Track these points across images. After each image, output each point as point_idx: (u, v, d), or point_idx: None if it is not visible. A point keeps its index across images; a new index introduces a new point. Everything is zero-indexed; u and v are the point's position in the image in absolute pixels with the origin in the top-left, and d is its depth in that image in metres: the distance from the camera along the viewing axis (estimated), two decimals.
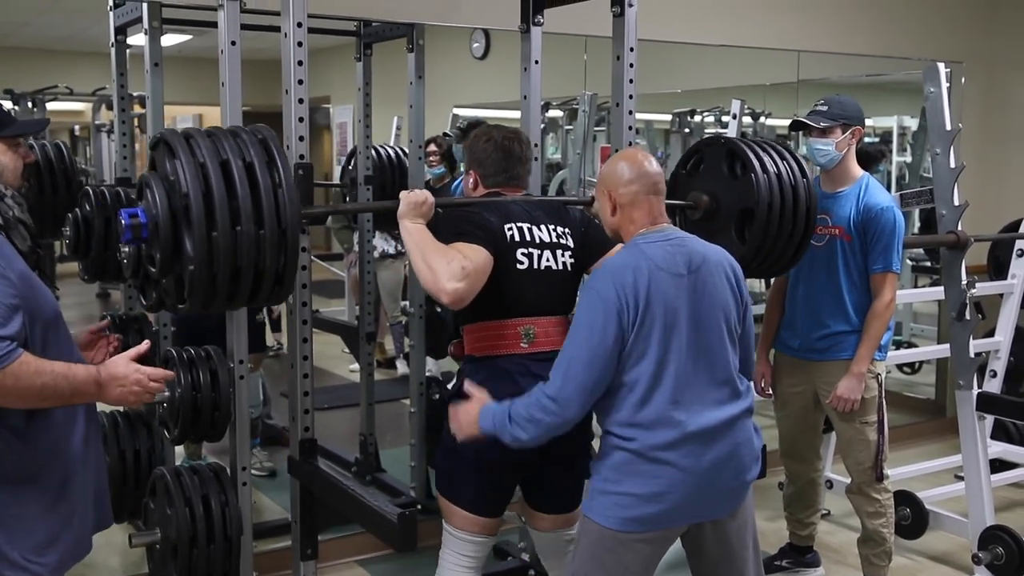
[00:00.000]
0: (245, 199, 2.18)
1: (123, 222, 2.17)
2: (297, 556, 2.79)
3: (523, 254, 2.60)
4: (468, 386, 2.49)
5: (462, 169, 4.90)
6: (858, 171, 3.39)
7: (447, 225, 2.56)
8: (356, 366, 5.03)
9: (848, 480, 3.54)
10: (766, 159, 2.95)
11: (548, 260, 2.63)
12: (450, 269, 2.37)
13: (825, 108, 3.34)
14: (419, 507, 4.10)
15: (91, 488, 2.18)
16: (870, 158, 7.06)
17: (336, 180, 10.62)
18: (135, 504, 3.24)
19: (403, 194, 2.57)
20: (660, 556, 2.37)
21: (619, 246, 2.44)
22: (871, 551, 3.46)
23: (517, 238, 2.59)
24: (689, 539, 2.40)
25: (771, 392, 3.62)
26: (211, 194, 2.16)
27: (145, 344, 2.13)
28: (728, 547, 2.38)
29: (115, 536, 3.51)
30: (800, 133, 3.74)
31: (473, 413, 2.40)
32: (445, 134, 4.63)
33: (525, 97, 3.31)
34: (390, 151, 4.57)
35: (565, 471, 2.67)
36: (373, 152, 4.51)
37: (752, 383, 2.44)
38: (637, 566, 2.31)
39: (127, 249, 2.89)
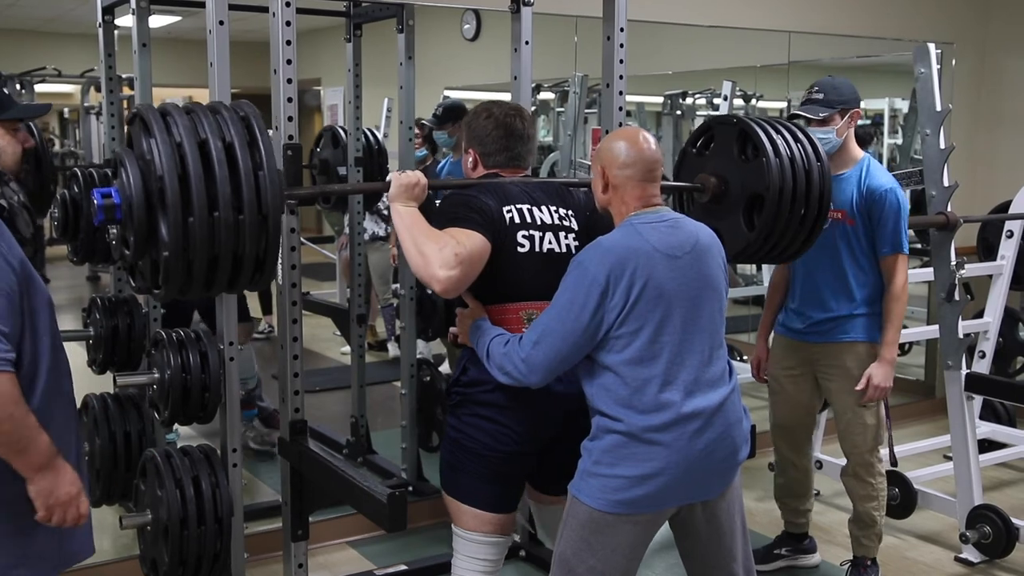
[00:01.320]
0: (223, 183, 2.06)
1: (96, 202, 2.07)
2: (288, 537, 2.79)
3: (524, 236, 2.48)
4: (466, 296, 2.46)
5: (444, 152, 4.89)
6: (858, 152, 3.36)
7: (442, 209, 2.48)
8: (347, 348, 5.04)
9: (843, 462, 3.54)
10: (779, 141, 2.82)
11: (550, 243, 2.51)
12: (442, 256, 2.28)
13: (821, 96, 3.28)
14: (410, 488, 4.11)
15: None
16: (859, 140, 7.08)
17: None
18: (126, 486, 3.25)
19: (393, 175, 2.47)
20: (649, 538, 2.37)
21: None
22: (861, 532, 3.47)
23: (517, 220, 2.48)
24: (678, 520, 2.41)
25: (765, 378, 3.60)
26: (187, 177, 2.04)
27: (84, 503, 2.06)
28: (717, 526, 2.39)
29: (106, 518, 3.52)
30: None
31: (467, 324, 2.44)
32: (421, 121, 4.59)
33: (516, 78, 3.30)
34: (367, 133, 4.52)
35: (575, 454, 2.60)
36: (365, 131, 4.48)
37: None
38: (626, 548, 2.30)
39: (115, 231, 2.90)
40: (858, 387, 3.27)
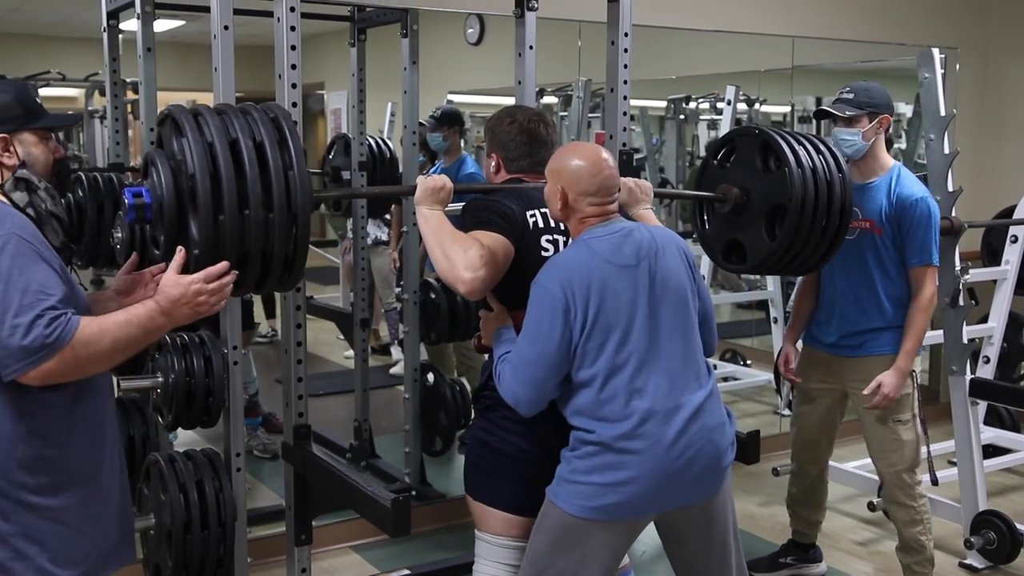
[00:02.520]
0: (254, 181, 2.06)
1: (127, 201, 2.07)
2: (291, 541, 2.79)
3: (548, 240, 2.49)
4: (490, 299, 2.46)
5: (441, 158, 4.90)
6: (888, 160, 3.28)
7: (466, 213, 2.49)
8: (351, 352, 5.03)
9: (849, 466, 3.48)
10: (801, 152, 2.81)
11: None
12: (467, 258, 2.29)
13: (851, 96, 3.22)
14: (413, 493, 4.10)
15: (115, 516, 2.16)
16: None
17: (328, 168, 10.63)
18: (129, 491, 3.24)
19: (420, 179, 2.48)
20: (624, 549, 2.36)
21: None
22: (912, 559, 3.34)
23: (541, 224, 2.49)
24: (664, 527, 2.39)
25: (797, 378, 3.47)
26: (219, 176, 2.04)
27: (180, 254, 2.03)
28: (706, 530, 2.37)
29: None
30: (823, 122, 3.66)
31: (491, 328, 2.45)
32: (420, 123, 4.59)
33: (520, 83, 3.30)
34: (372, 141, 4.52)
35: None
36: (370, 141, 4.48)
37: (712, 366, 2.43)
38: (597, 554, 2.28)
39: (120, 235, 2.90)
40: (866, 391, 3.19)
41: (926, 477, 3.45)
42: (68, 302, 1.89)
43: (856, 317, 3.27)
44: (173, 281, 1.99)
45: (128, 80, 4.12)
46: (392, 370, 6.17)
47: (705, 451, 2.27)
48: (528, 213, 2.49)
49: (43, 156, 2.11)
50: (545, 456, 2.41)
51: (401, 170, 4.12)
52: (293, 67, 2.57)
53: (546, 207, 2.48)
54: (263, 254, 2.13)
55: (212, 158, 2.05)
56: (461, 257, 2.29)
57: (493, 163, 2.66)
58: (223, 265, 2.03)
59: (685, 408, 2.26)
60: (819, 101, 7.64)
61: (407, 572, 3.56)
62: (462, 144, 4.92)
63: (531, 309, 2.28)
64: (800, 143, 2.85)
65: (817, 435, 3.53)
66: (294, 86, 2.57)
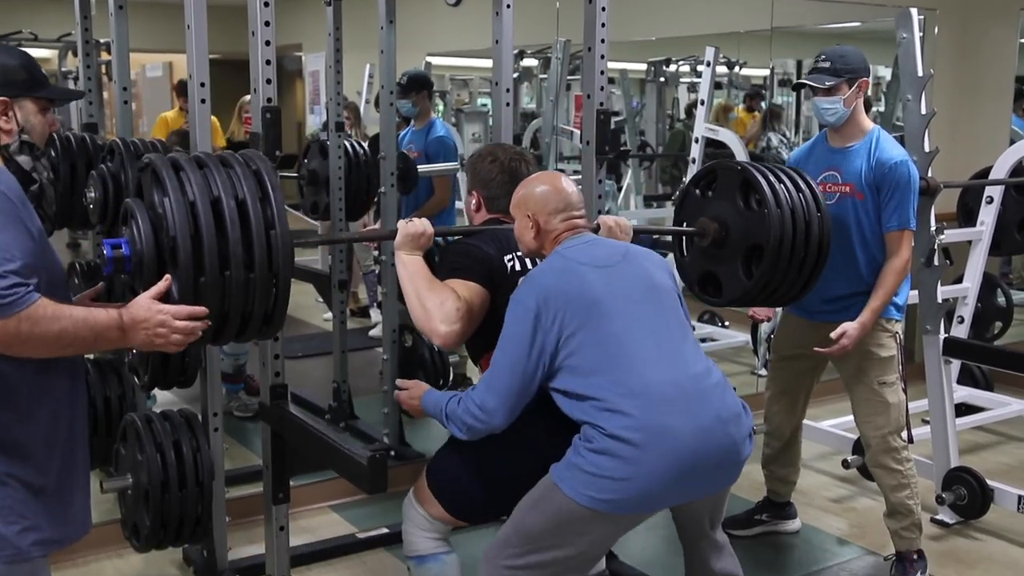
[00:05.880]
0: (236, 243, 2.04)
1: (105, 254, 2.05)
2: (269, 500, 2.80)
3: None
4: (400, 381, 2.54)
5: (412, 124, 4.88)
6: (868, 124, 3.28)
7: (444, 259, 2.54)
8: (330, 315, 5.03)
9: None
10: (781, 191, 2.85)
11: None
12: (443, 311, 2.35)
13: (827, 64, 3.20)
14: (392, 453, 4.12)
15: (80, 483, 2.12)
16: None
17: (308, 132, 10.55)
18: (106, 451, 3.24)
19: (401, 224, 2.51)
20: (619, 536, 2.37)
21: None
22: (900, 525, 3.32)
23: (518, 267, 2.55)
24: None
25: (764, 316, 3.47)
26: (200, 237, 2.02)
27: (165, 281, 2.01)
28: (712, 499, 2.38)
29: None
30: (801, 91, 3.62)
31: (415, 398, 2.47)
32: (398, 83, 4.54)
33: (497, 42, 3.27)
34: (348, 144, 4.48)
35: None
36: (346, 145, 4.43)
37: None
38: (602, 539, 2.29)
39: (92, 194, 2.88)
40: (832, 334, 3.14)
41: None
42: (34, 271, 1.86)
43: (835, 283, 3.25)
44: (145, 304, 1.96)
45: (101, 40, 4.07)
46: (371, 332, 6.17)
47: (722, 445, 2.23)
48: (506, 257, 2.55)
49: (40, 126, 2.10)
50: (525, 482, 2.36)
51: (381, 129, 4.08)
52: (267, 23, 2.55)
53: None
54: (243, 313, 2.13)
55: (194, 217, 2.03)
56: (437, 309, 2.36)
57: (474, 201, 2.71)
58: (201, 310, 2.00)
59: (696, 401, 2.23)
60: (799, 64, 7.65)
61: (386, 530, 3.58)
62: (434, 109, 4.89)
63: (507, 321, 2.30)
64: (780, 180, 2.89)
65: (792, 396, 3.56)
66: (268, 44, 2.55)
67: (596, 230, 2.59)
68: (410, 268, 2.44)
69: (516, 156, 2.70)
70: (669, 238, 3.57)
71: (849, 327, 3.14)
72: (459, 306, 2.36)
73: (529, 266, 2.53)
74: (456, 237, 2.86)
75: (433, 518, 2.53)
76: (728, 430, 2.24)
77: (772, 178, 2.87)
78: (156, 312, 1.95)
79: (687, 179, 5.61)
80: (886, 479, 3.31)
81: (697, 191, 3.05)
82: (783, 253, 2.82)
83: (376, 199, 4.33)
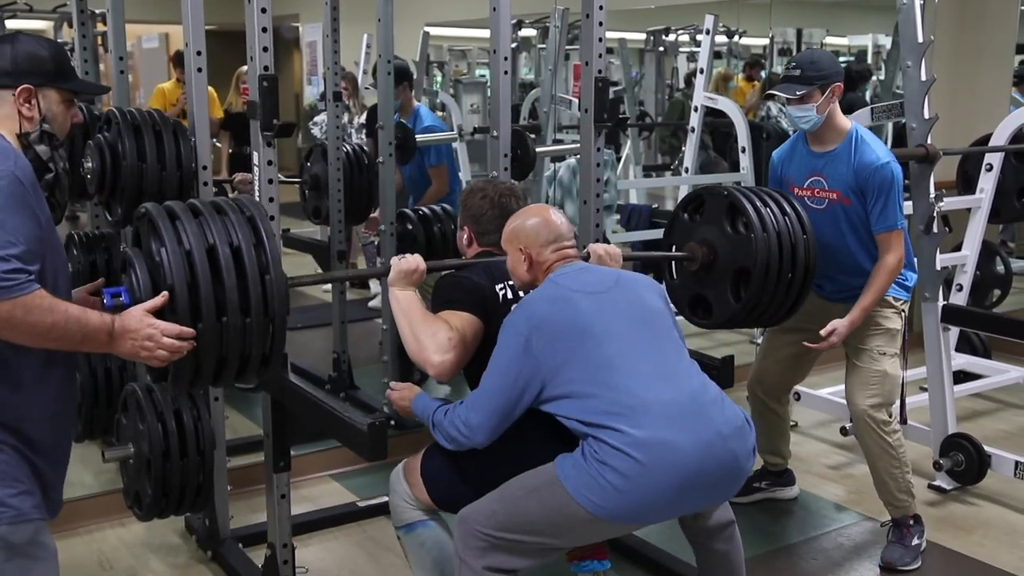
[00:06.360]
0: (231, 290, 2.09)
1: (106, 303, 2.09)
2: (270, 468, 2.81)
3: None
4: (394, 383, 2.58)
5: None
6: (845, 124, 3.25)
7: (437, 293, 2.58)
8: (329, 285, 5.03)
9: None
10: (767, 215, 2.90)
11: None
12: (436, 341, 2.39)
13: (798, 72, 3.17)
14: (392, 422, 4.14)
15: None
16: (860, 77, 7.04)
17: (305, 103, 10.51)
18: (108, 422, 3.26)
19: (394, 260, 2.55)
20: (607, 538, 2.42)
21: None
22: (889, 494, 3.33)
23: (510, 296, 2.58)
24: None
25: None
26: (197, 285, 2.06)
27: (162, 296, 2.04)
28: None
29: (89, 453, 3.54)
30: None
31: (406, 399, 2.51)
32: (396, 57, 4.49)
33: (495, 9, 3.25)
34: (349, 148, 4.46)
35: None
36: (347, 150, 4.41)
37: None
38: (594, 536, 2.33)
39: (90, 164, 2.87)
40: (823, 331, 3.17)
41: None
42: (36, 258, 1.87)
43: (842, 278, 3.30)
44: (138, 316, 1.98)
45: (97, 12, 4.05)
46: (370, 303, 6.18)
47: (724, 460, 2.24)
48: (498, 287, 2.59)
49: (62, 117, 2.12)
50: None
51: (380, 101, 4.06)
52: None
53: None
54: (241, 356, 2.17)
55: (190, 265, 2.06)
56: (430, 340, 2.40)
57: (465, 236, 2.77)
58: (189, 331, 2.03)
59: (696, 417, 2.23)
60: (799, 32, 7.62)
61: (385, 499, 3.59)
62: (432, 81, 4.85)
63: (498, 344, 2.34)
64: (766, 204, 2.93)
65: (776, 379, 3.57)
66: (264, 11, 2.53)
67: (586, 258, 2.63)
68: (403, 303, 2.49)
69: (506, 192, 2.76)
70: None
71: (839, 324, 3.17)
72: (451, 336, 2.41)
73: (521, 295, 2.56)
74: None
75: (416, 499, 2.59)
76: (730, 445, 2.25)
77: (758, 202, 2.93)
78: (147, 325, 1.98)
79: (685, 149, 5.62)
80: (870, 447, 3.31)
81: (685, 215, 3.10)
82: (770, 276, 2.89)
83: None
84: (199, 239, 2.09)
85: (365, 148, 4.62)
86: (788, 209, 2.97)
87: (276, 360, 2.26)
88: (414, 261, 2.53)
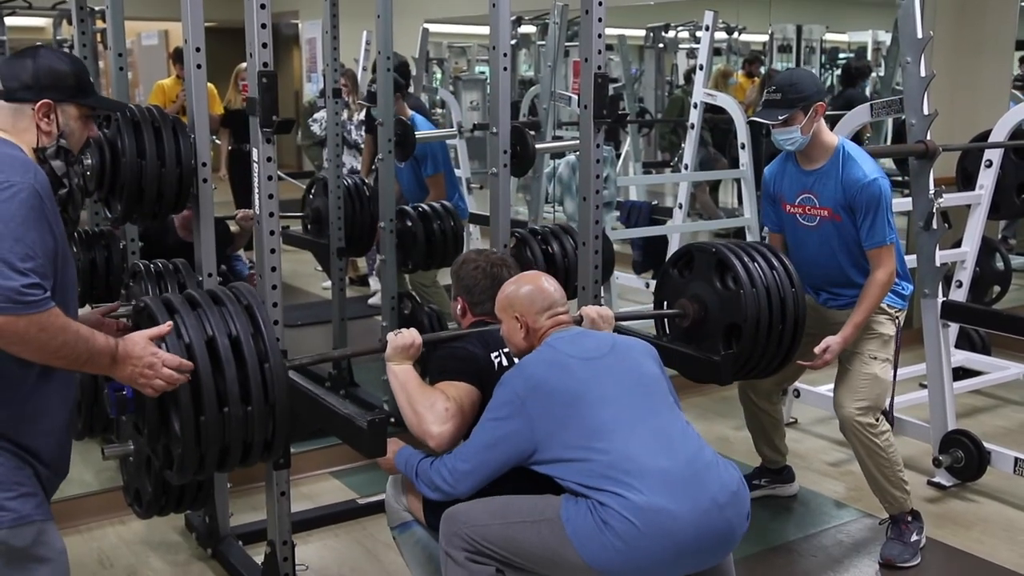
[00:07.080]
0: (232, 381, 2.12)
1: (109, 399, 2.12)
2: (270, 466, 2.81)
3: None
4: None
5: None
6: (832, 140, 3.24)
7: (433, 364, 2.60)
8: (329, 283, 5.03)
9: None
10: (754, 270, 2.94)
11: None
12: (434, 412, 2.41)
13: (779, 96, 3.15)
14: (391, 420, 4.13)
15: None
16: (859, 73, 7.04)
17: (305, 100, 10.51)
18: (108, 419, 3.26)
19: (390, 336, 2.57)
20: None
21: None
22: (884, 493, 3.33)
23: (505, 363, 2.60)
24: None
25: None
26: (198, 378, 2.09)
27: (168, 325, 2.06)
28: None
29: (89, 451, 3.54)
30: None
31: (390, 462, 2.53)
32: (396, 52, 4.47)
33: (494, 6, 3.25)
34: (349, 182, 4.45)
35: None
36: (347, 183, 4.41)
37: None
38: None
39: (89, 161, 2.87)
40: (816, 349, 3.18)
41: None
42: (49, 272, 1.88)
43: (835, 290, 3.34)
44: (141, 343, 1.99)
45: (96, 8, 4.05)
46: (370, 300, 6.18)
47: (719, 529, 2.25)
48: (492, 355, 2.62)
49: (79, 132, 2.12)
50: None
51: (380, 99, 4.06)
52: None
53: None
54: (244, 443, 2.19)
55: (191, 359, 2.08)
56: (428, 412, 2.42)
57: (459, 306, 2.79)
58: (188, 364, 2.05)
59: (692, 485, 2.23)
60: (798, 28, 7.62)
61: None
62: (432, 78, 4.82)
63: (493, 400, 2.35)
64: (754, 259, 2.97)
65: (767, 382, 3.52)
66: (263, 6, 2.53)
67: (579, 321, 2.64)
68: (401, 377, 2.50)
69: (498, 262, 2.78)
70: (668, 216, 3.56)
71: (832, 341, 3.18)
72: (448, 406, 2.42)
73: (516, 362, 2.56)
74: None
75: (408, 509, 2.62)
76: (726, 514, 2.26)
77: (746, 258, 2.97)
78: (149, 353, 1.99)
79: (684, 146, 5.62)
80: (859, 449, 3.31)
81: (675, 271, 3.12)
82: (760, 331, 2.93)
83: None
84: (198, 331, 2.12)
85: (367, 181, 4.61)
86: (776, 263, 3.01)
87: (279, 445, 2.29)
88: (410, 336, 2.55)
